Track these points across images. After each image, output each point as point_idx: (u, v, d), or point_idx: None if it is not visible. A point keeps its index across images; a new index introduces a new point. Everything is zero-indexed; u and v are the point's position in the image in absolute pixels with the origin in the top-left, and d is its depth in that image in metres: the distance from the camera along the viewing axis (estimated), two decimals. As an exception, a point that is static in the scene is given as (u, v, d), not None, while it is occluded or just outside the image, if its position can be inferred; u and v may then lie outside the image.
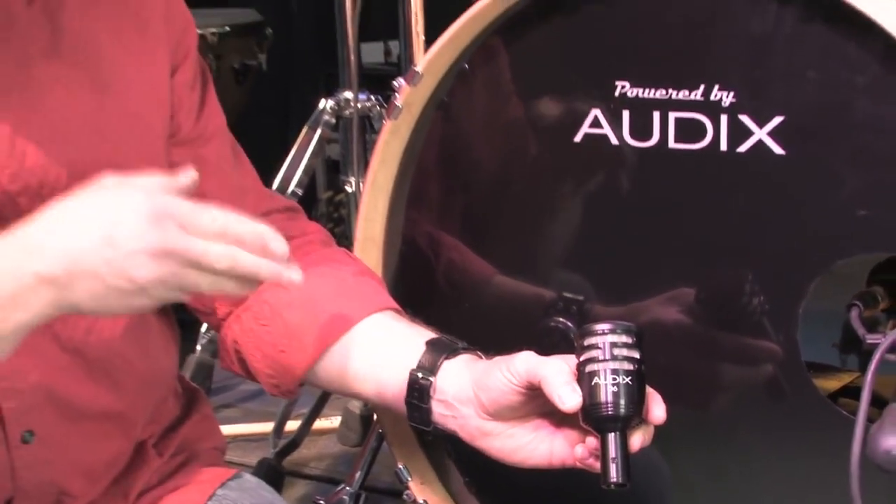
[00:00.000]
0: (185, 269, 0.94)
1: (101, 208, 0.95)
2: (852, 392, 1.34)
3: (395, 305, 1.29)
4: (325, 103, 2.41)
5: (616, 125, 1.32)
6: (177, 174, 1.00)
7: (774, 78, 1.23)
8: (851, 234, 1.22)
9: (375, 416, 1.85)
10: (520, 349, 1.12)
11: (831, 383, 1.36)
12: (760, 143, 1.24)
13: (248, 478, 1.30)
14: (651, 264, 1.34)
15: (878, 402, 0.96)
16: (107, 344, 1.16)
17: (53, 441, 1.12)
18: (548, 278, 1.40)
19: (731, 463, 1.33)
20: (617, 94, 1.31)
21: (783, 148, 1.23)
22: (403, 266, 1.50)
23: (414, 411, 1.18)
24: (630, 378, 1.05)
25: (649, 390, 1.08)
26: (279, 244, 0.98)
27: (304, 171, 2.40)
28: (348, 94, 2.36)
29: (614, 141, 1.32)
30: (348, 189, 2.43)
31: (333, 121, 2.42)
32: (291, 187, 2.38)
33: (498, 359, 1.13)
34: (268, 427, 2.32)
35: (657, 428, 1.09)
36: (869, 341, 1.19)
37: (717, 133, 1.26)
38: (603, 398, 1.05)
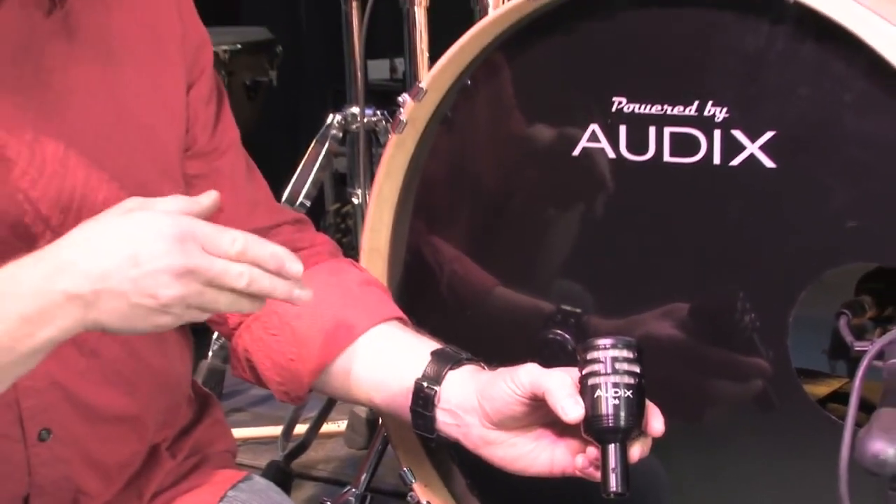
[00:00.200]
0: (206, 287, 0.95)
1: (126, 229, 0.96)
2: (841, 397, 1.34)
3: (401, 314, 1.29)
4: (333, 118, 2.42)
5: (613, 140, 1.32)
6: (198, 195, 1.01)
7: (766, 94, 1.23)
8: (840, 245, 1.22)
9: (381, 421, 1.84)
10: (519, 359, 1.12)
11: (821, 389, 1.36)
12: (752, 157, 1.24)
13: (258, 479, 1.30)
14: (647, 276, 1.34)
15: (866, 408, 0.95)
16: (123, 349, 1.16)
17: (69, 440, 1.13)
18: (547, 290, 1.40)
19: (726, 470, 1.33)
20: (614, 109, 1.31)
21: (774, 162, 1.23)
22: (408, 276, 1.50)
23: (418, 419, 1.18)
24: (631, 391, 1.06)
25: (648, 403, 1.08)
26: (295, 265, 0.99)
27: (313, 184, 2.40)
28: (355, 110, 2.37)
29: (611, 155, 1.32)
30: (355, 201, 2.43)
31: (341, 135, 2.42)
32: (300, 199, 2.38)
33: (502, 370, 1.13)
34: (277, 431, 2.32)
35: (655, 439, 1.09)
36: (857, 348, 1.19)
37: (710, 147, 1.26)
38: (604, 410, 1.05)
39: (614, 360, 1.06)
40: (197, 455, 1.29)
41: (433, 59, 1.48)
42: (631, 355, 1.07)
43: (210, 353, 2.43)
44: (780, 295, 1.25)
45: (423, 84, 1.41)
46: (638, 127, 1.30)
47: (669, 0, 1.28)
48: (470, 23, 1.38)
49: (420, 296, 1.49)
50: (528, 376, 1.09)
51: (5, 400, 1.07)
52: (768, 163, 1.23)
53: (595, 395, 1.06)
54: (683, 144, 1.27)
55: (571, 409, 1.06)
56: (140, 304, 0.94)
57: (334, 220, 2.60)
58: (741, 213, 1.27)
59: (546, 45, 1.37)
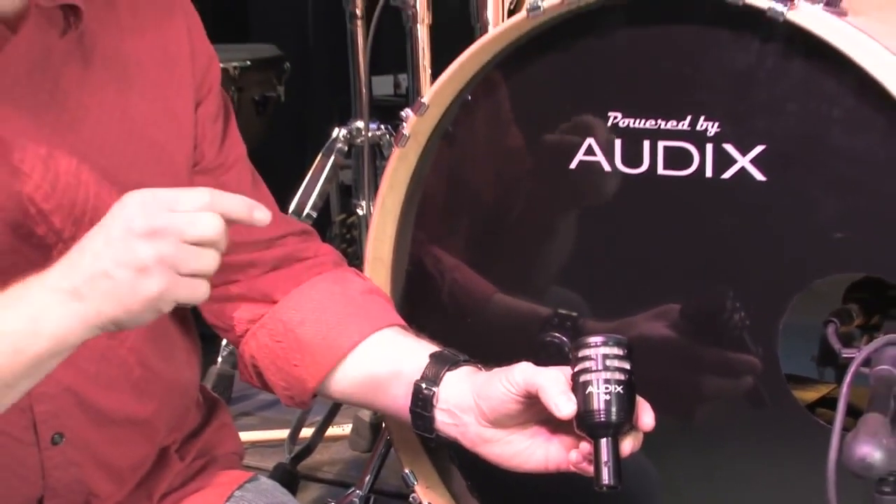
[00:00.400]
0: (181, 245, 0.94)
1: (102, 221, 0.97)
2: (829, 402, 1.34)
3: (402, 322, 1.29)
4: (339, 132, 2.42)
5: (609, 153, 1.32)
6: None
7: (756, 110, 1.23)
8: (828, 255, 1.22)
9: (384, 424, 1.84)
10: (518, 362, 1.12)
11: (810, 394, 1.36)
12: (743, 170, 1.24)
13: (265, 480, 1.30)
14: (640, 282, 1.34)
15: (854, 413, 0.95)
16: (133, 355, 1.16)
17: (81, 444, 1.13)
18: (544, 296, 1.40)
19: (716, 467, 1.33)
20: (609, 124, 1.31)
21: (764, 175, 1.23)
22: (410, 284, 1.50)
23: (418, 419, 1.18)
24: (621, 387, 1.06)
25: (639, 399, 1.08)
26: (262, 214, 1.00)
27: (319, 195, 2.40)
28: (360, 124, 2.37)
29: (607, 168, 1.32)
30: (359, 212, 2.43)
31: (346, 148, 2.42)
32: (307, 210, 2.38)
33: (497, 370, 1.13)
34: (283, 434, 2.32)
35: (646, 434, 1.09)
36: (844, 355, 1.19)
37: (702, 161, 1.26)
38: (596, 406, 1.05)
39: (605, 357, 1.06)
40: (205, 457, 1.29)
41: (435, 76, 1.47)
42: (621, 352, 1.07)
43: (219, 359, 2.42)
44: (771, 303, 1.25)
45: (425, 99, 1.41)
46: (633, 141, 1.30)
47: (663, 18, 1.28)
48: (471, 40, 1.38)
49: (422, 303, 1.49)
50: (522, 374, 1.10)
51: (20, 405, 1.07)
52: (759, 176, 1.23)
53: (587, 392, 1.06)
54: (677, 158, 1.27)
55: (564, 405, 1.06)
56: (123, 277, 0.93)
57: (340, 231, 2.60)
58: (732, 224, 1.27)
59: (544, 61, 1.37)
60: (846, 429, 0.91)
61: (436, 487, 1.49)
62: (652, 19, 1.29)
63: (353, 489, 1.91)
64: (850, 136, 1.19)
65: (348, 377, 1.25)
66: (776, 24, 1.18)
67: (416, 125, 1.43)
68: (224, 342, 2.36)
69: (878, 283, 1.26)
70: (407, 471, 1.48)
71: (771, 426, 1.29)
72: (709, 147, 1.25)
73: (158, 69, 1.16)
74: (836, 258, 1.22)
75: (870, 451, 0.87)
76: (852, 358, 0.98)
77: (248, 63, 2.86)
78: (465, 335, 1.43)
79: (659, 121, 1.28)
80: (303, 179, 2.42)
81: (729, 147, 1.24)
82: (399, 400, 1.20)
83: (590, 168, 1.33)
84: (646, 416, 1.08)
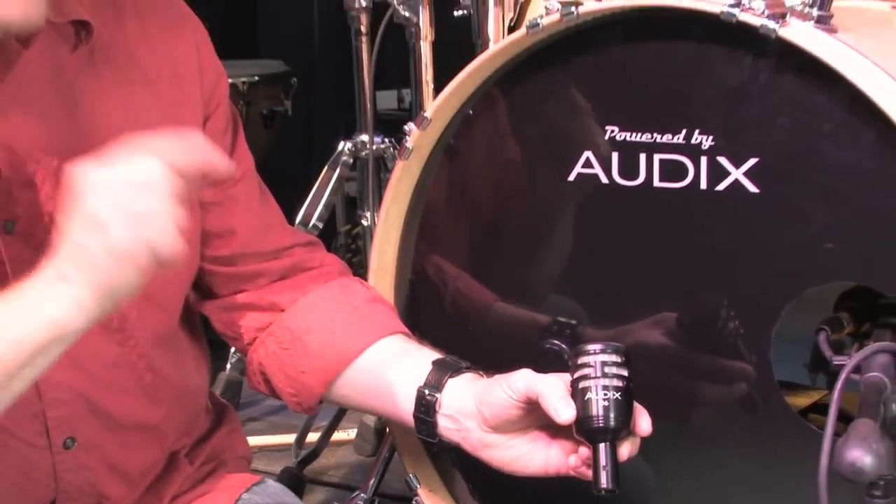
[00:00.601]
0: (128, 189, 0.92)
1: None
2: (821, 408, 1.33)
3: (405, 329, 1.29)
4: (344, 145, 2.42)
5: (606, 166, 1.32)
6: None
7: (749, 124, 1.23)
8: (819, 265, 1.22)
9: (388, 429, 1.84)
10: (518, 369, 1.12)
11: (802, 400, 1.36)
12: (737, 182, 1.24)
13: (271, 483, 1.30)
14: (637, 291, 1.34)
15: (845, 418, 0.95)
16: (143, 361, 1.16)
17: (93, 448, 1.12)
18: (544, 304, 1.40)
19: (711, 471, 1.33)
20: (607, 137, 1.31)
21: (757, 187, 1.23)
22: (413, 293, 1.50)
23: (421, 425, 1.18)
24: (619, 394, 1.06)
25: (636, 405, 1.08)
26: (222, 161, 0.98)
27: (325, 207, 2.40)
28: (364, 137, 2.37)
29: (604, 180, 1.32)
30: (364, 223, 2.43)
31: (351, 161, 2.43)
32: (313, 220, 2.38)
33: (498, 376, 1.13)
34: (290, 438, 2.32)
35: (643, 439, 1.09)
36: (835, 362, 1.18)
37: (697, 173, 1.26)
38: (595, 412, 1.05)
39: (603, 364, 1.06)
40: (214, 461, 1.28)
41: (437, 90, 1.48)
42: (619, 360, 1.07)
43: (228, 366, 2.42)
44: (763, 311, 1.25)
45: (428, 113, 1.42)
46: (629, 154, 1.30)
47: (658, 35, 1.29)
48: (472, 56, 1.39)
49: (425, 312, 1.49)
50: (523, 381, 1.09)
51: (32, 411, 1.07)
52: (752, 188, 1.23)
53: (586, 398, 1.06)
54: (672, 170, 1.27)
55: (563, 410, 1.06)
56: (90, 240, 0.91)
57: (345, 241, 2.60)
58: (726, 234, 1.27)
59: (543, 77, 1.37)
60: (837, 434, 0.91)
61: (438, 491, 1.49)
62: (648, 36, 1.30)
63: (357, 492, 1.90)
64: (840, 150, 1.19)
65: (353, 383, 1.25)
66: (768, 40, 1.18)
67: (418, 139, 1.43)
68: (233, 349, 2.36)
69: (869, 293, 1.26)
70: (410, 475, 1.47)
71: (764, 431, 1.28)
72: (703, 160, 1.25)
73: (167, 83, 1.16)
74: (828, 268, 1.22)
75: (860, 456, 0.87)
76: (843, 365, 0.98)
77: (257, 78, 2.86)
78: (467, 342, 1.42)
79: (655, 134, 1.28)
80: (309, 191, 2.42)
81: (723, 160, 1.24)
82: (403, 405, 1.20)
83: (587, 180, 1.33)
84: (643, 422, 1.08)
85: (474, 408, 1.14)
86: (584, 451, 1.08)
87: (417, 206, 1.48)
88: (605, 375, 1.06)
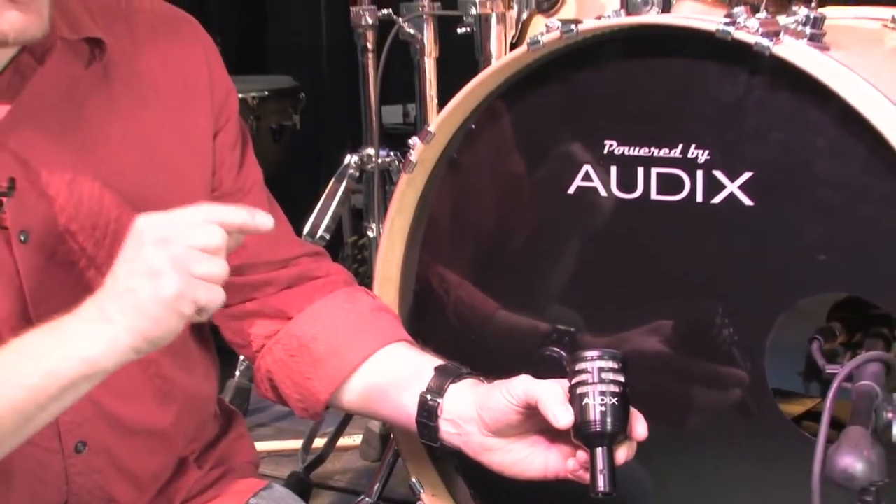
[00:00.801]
0: (190, 249, 0.94)
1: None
2: (815, 416, 1.33)
3: (408, 337, 1.29)
4: (351, 158, 2.42)
5: (605, 179, 1.32)
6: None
7: (744, 138, 1.23)
8: (812, 276, 1.22)
9: (392, 435, 1.84)
10: (519, 375, 1.12)
11: (796, 408, 1.35)
12: (732, 195, 1.24)
13: (278, 488, 1.30)
14: (634, 300, 1.34)
15: (837, 425, 0.95)
16: (154, 368, 1.16)
17: (103, 452, 1.12)
18: (544, 312, 1.40)
19: (706, 475, 1.33)
20: (605, 151, 1.31)
21: (752, 200, 1.23)
22: (417, 302, 1.50)
23: (424, 429, 1.18)
24: (616, 399, 1.05)
25: (632, 410, 1.08)
26: (263, 218, 1.00)
27: (332, 218, 2.40)
28: (370, 151, 2.37)
29: (603, 193, 1.32)
30: (370, 234, 2.43)
31: (357, 174, 2.43)
32: (320, 231, 2.38)
33: (498, 382, 1.13)
34: (297, 444, 2.31)
35: (639, 443, 1.09)
36: (828, 371, 1.18)
37: (693, 186, 1.26)
38: (592, 416, 1.05)
39: (601, 370, 1.06)
40: (222, 466, 1.28)
41: (441, 105, 1.48)
42: (616, 366, 1.07)
43: (237, 373, 2.42)
44: (758, 321, 1.25)
45: (432, 128, 1.42)
46: (627, 168, 1.30)
47: (656, 52, 1.29)
48: (475, 72, 1.39)
49: (429, 321, 1.49)
50: (522, 386, 1.09)
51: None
52: (747, 201, 1.23)
53: (583, 403, 1.06)
54: (669, 183, 1.27)
55: (562, 415, 1.06)
56: (142, 286, 0.94)
57: (352, 252, 2.60)
58: (722, 246, 1.27)
59: (544, 92, 1.37)
60: (830, 441, 0.91)
61: (441, 496, 1.49)
62: (645, 53, 1.30)
63: (362, 496, 1.91)
64: (832, 164, 1.19)
65: (359, 389, 1.25)
66: (763, 58, 1.18)
67: (423, 152, 1.43)
68: (241, 357, 2.36)
69: (860, 303, 1.25)
70: (414, 479, 1.47)
71: (759, 437, 1.28)
72: (699, 173, 1.25)
73: (178, 99, 1.17)
74: (820, 279, 1.22)
75: (851, 463, 0.86)
76: (835, 373, 0.97)
77: (266, 93, 2.87)
78: (469, 350, 1.42)
79: (652, 148, 1.28)
80: (317, 203, 2.42)
81: (718, 174, 1.24)
82: (406, 410, 1.20)
83: (587, 193, 1.33)
84: (639, 427, 1.08)
85: (475, 412, 1.14)
86: (582, 454, 1.08)
87: (421, 217, 1.48)
88: (602, 381, 1.06)
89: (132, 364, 1.12)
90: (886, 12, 1.53)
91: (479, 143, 1.43)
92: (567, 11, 1.80)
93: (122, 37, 1.13)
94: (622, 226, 1.33)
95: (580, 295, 1.39)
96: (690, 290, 1.30)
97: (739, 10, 1.23)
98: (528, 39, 1.33)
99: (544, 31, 1.32)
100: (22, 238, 1.04)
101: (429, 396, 1.17)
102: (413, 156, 1.43)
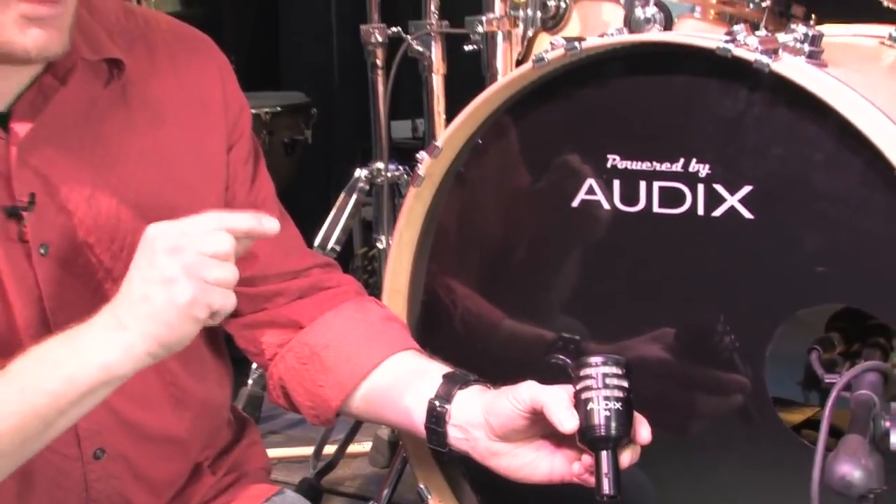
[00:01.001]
0: (202, 256, 0.95)
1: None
2: (814, 424, 1.33)
3: (417, 346, 1.29)
4: (361, 172, 2.43)
5: (608, 192, 1.32)
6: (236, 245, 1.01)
7: (744, 153, 1.24)
8: (811, 288, 1.22)
9: (401, 442, 1.84)
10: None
11: (795, 416, 1.35)
12: (732, 208, 1.24)
13: (290, 494, 1.30)
14: (638, 309, 1.34)
15: (836, 433, 0.95)
16: (170, 376, 1.16)
17: (121, 458, 1.13)
18: (549, 321, 1.40)
19: (708, 479, 1.33)
20: (609, 165, 1.31)
21: (752, 213, 1.23)
22: (425, 312, 1.50)
23: (432, 435, 1.18)
24: (620, 404, 1.05)
25: (636, 414, 1.08)
26: (270, 222, 1.00)
27: (342, 230, 2.41)
28: (380, 165, 2.38)
29: (606, 206, 1.32)
30: (380, 246, 2.43)
31: (367, 187, 2.43)
32: (331, 244, 2.38)
33: (504, 388, 1.13)
34: (308, 451, 2.31)
35: (643, 447, 1.09)
36: (827, 380, 1.18)
37: (694, 200, 1.26)
38: (597, 421, 1.05)
39: (605, 375, 1.06)
40: (235, 472, 1.28)
41: (449, 121, 1.48)
42: (620, 371, 1.06)
43: (250, 381, 2.42)
44: (758, 331, 1.24)
45: (439, 143, 1.42)
46: (630, 181, 1.30)
47: (658, 69, 1.29)
48: (481, 89, 1.39)
49: (437, 330, 1.49)
50: (528, 392, 1.09)
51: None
52: (747, 214, 1.23)
53: (588, 408, 1.05)
54: (671, 197, 1.27)
55: (567, 420, 1.05)
56: (156, 293, 0.94)
57: (362, 263, 2.60)
58: (723, 258, 1.27)
59: (549, 108, 1.37)
60: (829, 449, 0.90)
61: (449, 501, 1.48)
62: (647, 70, 1.30)
63: (371, 502, 1.90)
64: (830, 178, 1.19)
65: (369, 396, 1.25)
66: (762, 74, 1.18)
67: (430, 166, 1.44)
68: (254, 366, 2.36)
69: (858, 314, 1.25)
70: (422, 485, 1.47)
71: (759, 444, 1.28)
72: (700, 187, 1.25)
73: (193, 115, 1.17)
74: (819, 290, 1.22)
75: (850, 471, 0.86)
76: (834, 383, 0.97)
77: (279, 109, 2.88)
78: (477, 358, 1.42)
79: (654, 163, 1.28)
80: (328, 215, 2.42)
81: (719, 187, 1.24)
82: (415, 416, 1.20)
83: (590, 206, 1.34)
84: (643, 431, 1.08)
85: (482, 418, 1.14)
86: (587, 458, 1.08)
87: (429, 230, 1.48)
88: (606, 386, 1.06)
89: (148, 372, 1.12)
90: (883, 30, 1.53)
91: (486, 158, 1.43)
92: (571, 29, 1.81)
93: (141, 57, 1.13)
94: (625, 238, 1.33)
95: (584, 304, 1.39)
96: (692, 301, 1.30)
97: (739, 28, 1.23)
98: (533, 56, 1.34)
99: (549, 48, 1.33)
100: (42, 251, 1.05)
101: (437, 403, 1.17)
102: (421, 170, 1.44)
